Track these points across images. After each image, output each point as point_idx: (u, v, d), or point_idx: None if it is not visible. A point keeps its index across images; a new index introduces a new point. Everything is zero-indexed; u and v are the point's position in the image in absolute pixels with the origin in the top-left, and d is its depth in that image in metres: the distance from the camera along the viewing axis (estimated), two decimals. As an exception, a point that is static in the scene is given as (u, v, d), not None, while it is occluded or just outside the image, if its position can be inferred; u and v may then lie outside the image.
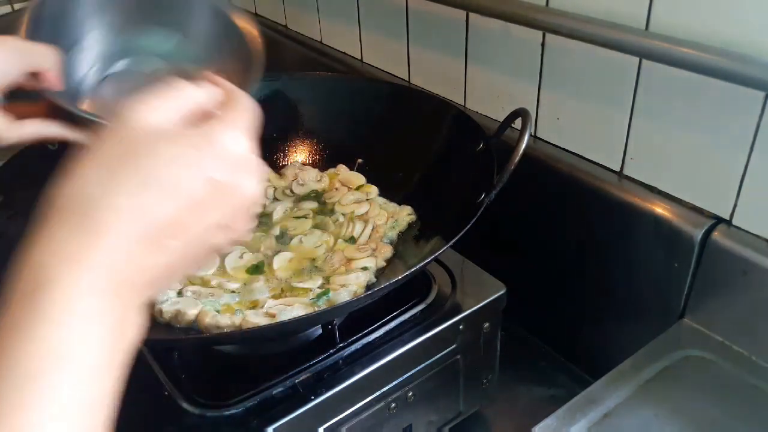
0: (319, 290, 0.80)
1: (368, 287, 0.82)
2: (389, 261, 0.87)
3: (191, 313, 0.76)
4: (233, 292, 0.82)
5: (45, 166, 0.94)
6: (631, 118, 0.85)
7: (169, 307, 0.78)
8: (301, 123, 1.09)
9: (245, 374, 0.76)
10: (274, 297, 0.81)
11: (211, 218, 0.42)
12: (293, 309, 0.76)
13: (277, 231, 0.93)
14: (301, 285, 0.82)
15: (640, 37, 0.75)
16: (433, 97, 1.07)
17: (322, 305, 0.78)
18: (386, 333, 0.80)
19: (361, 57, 1.35)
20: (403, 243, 0.90)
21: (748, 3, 0.68)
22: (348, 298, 0.78)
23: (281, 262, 0.86)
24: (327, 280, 0.83)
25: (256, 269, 0.86)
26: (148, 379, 0.77)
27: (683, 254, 0.81)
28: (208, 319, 0.75)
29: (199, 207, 0.41)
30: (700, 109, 0.77)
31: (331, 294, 0.79)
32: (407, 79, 1.24)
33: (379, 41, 1.28)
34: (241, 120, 0.45)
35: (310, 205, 0.98)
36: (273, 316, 0.75)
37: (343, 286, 0.81)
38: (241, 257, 0.87)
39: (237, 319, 0.75)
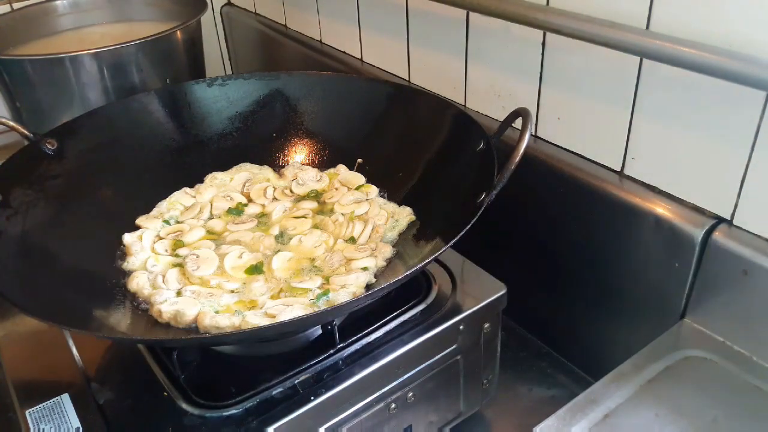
0: (318, 290, 0.80)
1: (368, 287, 0.81)
2: (389, 261, 0.87)
3: (190, 313, 0.76)
4: (232, 292, 0.82)
5: (45, 166, 0.95)
6: (631, 118, 0.85)
7: (168, 307, 0.78)
8: (301, 123, 1.09)
9: (245, 374, 0.76)
10: (273, 297, 0.81)
11: None
12: (293, 309, 0.76)
13: (276, 230, 0.93)
14: (300, 285, 0.81)
15: (640, 37, 0.75)
16: (433, 96, 1.07)
17: (322, 306, 0.78)
18: (386, 333, 0.79)
19: (361, 57, 1.35)
20: (403, 243, 0.90)
21: (748, 3, 0.68)
22: (347, 299, 0.77)
23: (281, 262, 0.86)
24: (326, 280, 0.83)
25: (255, 269, 0.85)
26: (147, 379, 0.77)
27: (684, 254, 0.81)
28: (208, 320, 0.75)
29: None
30: (701, 109, 0.77)
31: (330, 294, 0.79)
32: (407, 79, 1.24)
33: (379, 41, 1.28)
34: None
35: (310, 205, 0.98)
36: (273, 316, 0.75)
37: (342, 286, 0.80)
38: (240, 257, 0.87)
39: (236, 320, 0.75)
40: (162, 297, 0.80)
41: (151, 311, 0.80)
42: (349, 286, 0.80)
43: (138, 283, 0.83)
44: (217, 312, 0.77)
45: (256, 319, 0.75)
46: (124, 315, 0.80)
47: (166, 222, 0.96)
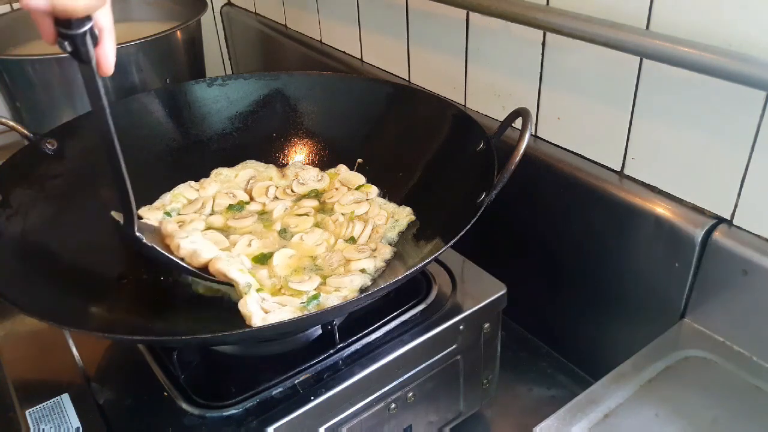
0: (313, 292, 0.80)
1: (361, 291, 0.81)
2: (389, 261, 0.86)
3: (206, 256, 0.78)
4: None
5: (45, 166, 0.95)
6: (632, 118, 0.85)
7: (188, 244, 0.79)
8: (301, 123, 1.09)
9: (245, 374, 0.76)
10: (273, 293, 0.81)
11: None
12: (283, 311, 0.76)
13: (278, 227, 0.93)
14: (297, 287, 0.81)
15: (640, 37, 0.75)
16: (433, 97, 1.07)
17: (312, 309, 0.77)
18: (386, 333, 0.79)
19: (361, 57, 1.35)
20: (403, 243, 0.90)
21: (748, 3, 0.68)
22: (337, 302, 0.77)
23: (281, 259, 0.86)
24: (325, 280, 0.82)
25: (263, 258, 0.85)
26: (147, 379, 0.77)
27: (684, 254, 0.81)
28: (220, 264, 0.77)
29: None
30: (701, 109, 0.77)
31: (321, 298, 0.79)
32: (407, 79, 1.24)
33: (379, 41, 1.28)
34: None
35: (311, 203, 0.98)
36: (267, 311, 0.75)
37: (336, 289, 0.80)
38: (249, 245, 0.88)
39: (244, 279, 0.77)
40: (185, 233, 0.81)
41: (169, 242, 0.81)
42: (343, 290, 0.80)
43: (163, 222, 0.85)
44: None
45: (255, 304, 0.75)
46: (124, 315, 0.80)
47: (168, 214, 0.96)
